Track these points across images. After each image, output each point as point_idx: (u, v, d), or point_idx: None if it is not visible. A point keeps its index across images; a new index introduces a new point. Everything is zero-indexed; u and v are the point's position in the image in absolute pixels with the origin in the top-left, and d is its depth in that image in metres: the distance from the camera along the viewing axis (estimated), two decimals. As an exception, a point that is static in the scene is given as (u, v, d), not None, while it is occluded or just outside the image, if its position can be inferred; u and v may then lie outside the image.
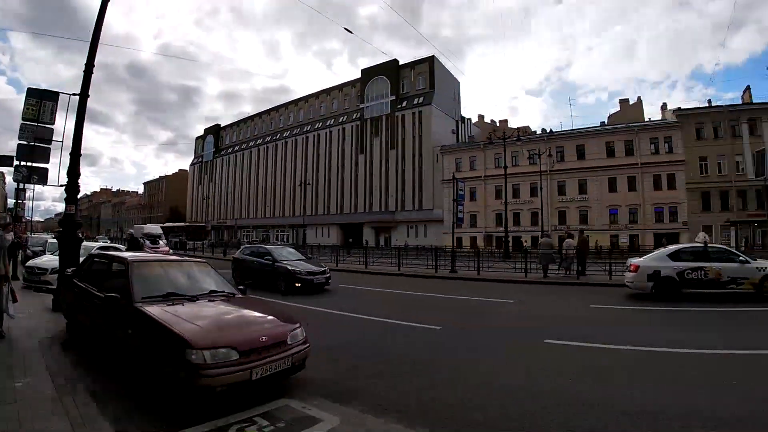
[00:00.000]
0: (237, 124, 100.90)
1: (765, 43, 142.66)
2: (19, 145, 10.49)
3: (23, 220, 28.66)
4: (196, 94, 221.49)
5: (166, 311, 5.13)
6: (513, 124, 71.58)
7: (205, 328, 4.81)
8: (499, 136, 39.52)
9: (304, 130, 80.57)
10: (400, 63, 71.01)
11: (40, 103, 10.37)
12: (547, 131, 59.38)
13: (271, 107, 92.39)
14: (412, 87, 69.11)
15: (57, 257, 13.04)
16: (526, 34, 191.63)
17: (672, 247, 14.34)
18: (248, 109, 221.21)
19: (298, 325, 5.54)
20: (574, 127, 60.72)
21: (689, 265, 12.67)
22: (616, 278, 16.73)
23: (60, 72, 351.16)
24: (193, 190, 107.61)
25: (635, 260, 13.91)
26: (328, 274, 15.79)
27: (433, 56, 68.81)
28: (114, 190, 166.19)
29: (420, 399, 5.08)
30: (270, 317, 5.64)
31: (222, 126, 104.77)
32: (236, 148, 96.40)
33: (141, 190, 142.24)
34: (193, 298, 5.75)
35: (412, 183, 65.70)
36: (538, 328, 9.17)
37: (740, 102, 52.18)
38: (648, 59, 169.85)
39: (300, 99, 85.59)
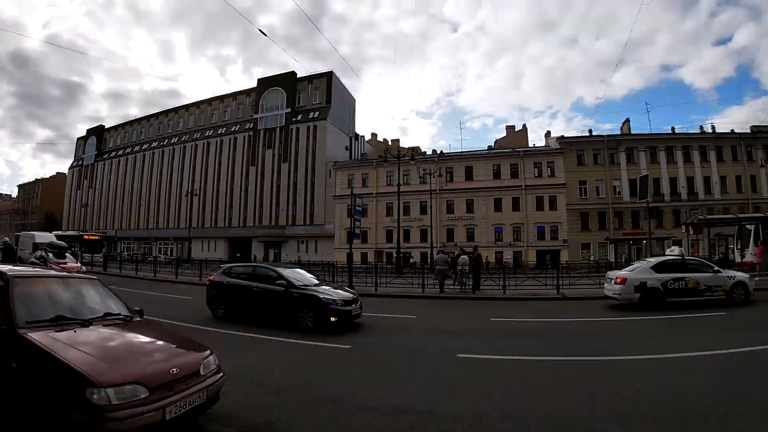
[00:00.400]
0: (123, 126, 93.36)
1: (643, 81, 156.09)
2: None
3: None
4: (80, 91, 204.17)
5: (57, 340, 4.26)
6: (404, 143, 73.22)
7: (105, 360, 4.07)
8: (394, 155, 39.74)
9: (194, 137, 76.28)
10: (298, 76, 69.63)
11: None
12: (437, 152, 60.64)
13: (160, 111, 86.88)
14: (308, 101, 68.04)
15: None
16: (423, 58, 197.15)
17: (653, 260, 14.94)
18: (135, 112, 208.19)
19: (209, 352, 4.86)
20: (463, 150, 62.80)
21: (671, 276, 13.57)
22: (510, 293, 18.23)
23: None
24: (71, 196, 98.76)
25: (621, 273, 14.52)
26: (360, 302, 11.85)
27: (332, 72, 68.45)
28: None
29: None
30: (178, 344, 4.95)
31: (106, 127, 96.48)
32: (120, 152, 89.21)
33: (15, 194, 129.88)
34: (86, 323, 4.79)
35: (304, 197, 64.27)
36: (447, 343, 9.30)
37: (619, 133, 57.05)
38: (532, 90, 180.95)
39: (192, 104, 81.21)
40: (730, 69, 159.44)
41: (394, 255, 52.04)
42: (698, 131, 55.90)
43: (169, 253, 68.53)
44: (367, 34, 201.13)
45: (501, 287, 18.73)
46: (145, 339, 4.90)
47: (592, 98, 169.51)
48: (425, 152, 50.37)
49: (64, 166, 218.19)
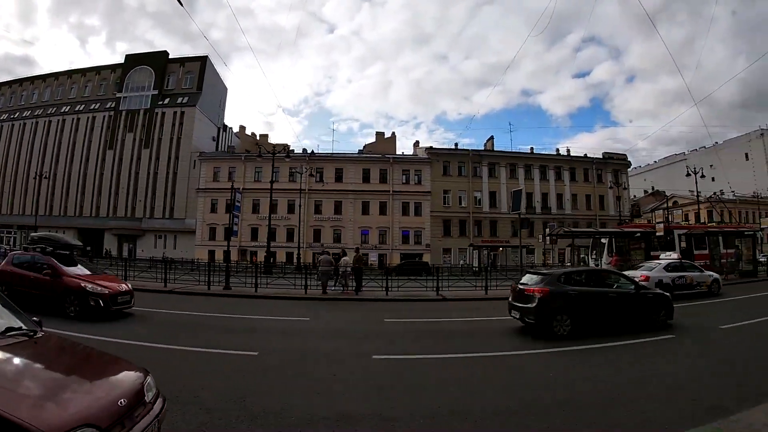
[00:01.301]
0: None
1: (504, 102, 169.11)
2: None
3: None
4: None
5: None
6: (271, 139, 71.26)
7: (41, 399, 3.11)
8: (269, 150, 39.01)
9: (49, 112, 68.02)
10: (170, 57, 65.89)
11: None
12: (305, 151, 60.00)
13: (12, 79, 77.02)
14: (178, 84, 64.09)
15: None
16: (296, 55, 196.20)
17: (663, 262, 19.18)
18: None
19: (145, 371, 4.01)
20: (334, 151, 63.23)
21: (677, 275, 18.17)
22: (392, 294, 19.34)
23: None
24: None
25: (644, 272, 17.97)
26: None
27: (207, 56, 65.45)
28: None
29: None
30: (109, 365, 4.09)
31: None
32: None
33: None
34: None
35: (164, 188, 60.39)
36: (355, 345, 9.70)
37: (483, 148, 60.60)
38: (400, 99, 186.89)
39: (49, 75, 72.43)
40: (585, 99, 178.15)
41: (257, 255, 51.45)
42: (555, 153, 61.22)
43: (12, 243, 61.54)
44: (243, 22, 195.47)
45: (384, 288, 19.65)
46: (69, 362, 4.00)
47: (455, 113, 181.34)
48: (292, 150, 49.64)
49: None
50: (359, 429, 5.01)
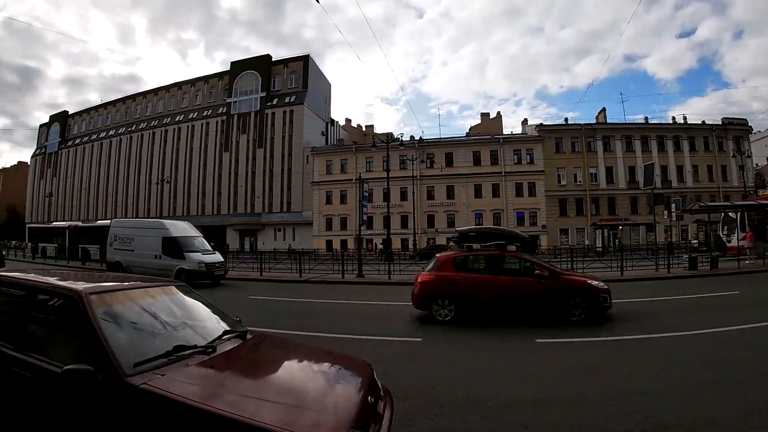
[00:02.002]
0: (88, 111, 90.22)
1: (607, 71, 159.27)
2: None
3: None
4: (37, 76, 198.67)
5: (204, 386, 2.89)
6: (374, 129, 72.61)
7: (300, 408, 2.84)
8: (382, 140, 39.69)
9: (164, 122, 74.24)
10: (273, 59, 68.96)
11: None
12: (413, 138, 60.50)
13: (127, 95, 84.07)
14: (284, 85, 67.03)
15: None
16: (387, 44, 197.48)
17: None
18: (94, 98, 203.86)
19: (368, 363, 3.91)
20: (442, 136, 62.78)
21: None
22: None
23: None
24: (33, 186, 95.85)
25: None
26: None
27: (308, 55, 67.97)
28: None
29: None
30: (337, 361, 3.85)
31: (70, 113, 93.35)
32: (86, 138, 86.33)
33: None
34: (207, 349, 3.39)
35: (280, 184, 63.56)
36: (515, 329, 9.17)
37: (595, 121, 58.14)
38: (497, 78, 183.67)
39: (160, 88, 78.70)
40: (692, 61, 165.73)
41: (372, 242, 52.70)
42: (671, 122, 58.04)
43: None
44: (332, 18, 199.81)
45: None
46: (301, 363, 3.81)
47: (556, 87, 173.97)
48: (399, 137, 50.40)
49: (22, 155, 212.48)
50: (553, 411, 4.79)
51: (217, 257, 20.30)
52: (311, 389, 3.19)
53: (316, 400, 3.01)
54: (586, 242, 49.15)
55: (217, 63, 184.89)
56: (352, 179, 57.49)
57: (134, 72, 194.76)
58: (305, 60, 67.11)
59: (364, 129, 74.52)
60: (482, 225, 53.46)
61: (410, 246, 49.79)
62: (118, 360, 2.87)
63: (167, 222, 21.50)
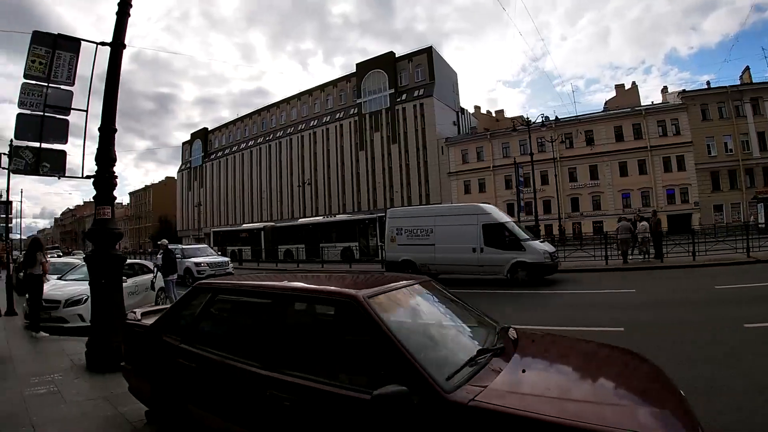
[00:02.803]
0: (226, 126, 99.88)
1: (739, 24, 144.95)
2: (19, 116, 6.63)
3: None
4: (172, 101, 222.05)
5: (530, 393, 2.63)
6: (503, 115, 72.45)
7: (639, 408, 2.54)
8: (522, 123, 39.63)
9: (299, 128, 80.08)
10: (397, 55, 71.44)
11: (53, 54, 6.67)
12: (547, 119, 59.76)
13: (261, 107, 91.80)
14: (410, 79, 69.10)
15: (73, 283, 11.06)
16: (501, 26, 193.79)
17: None
18: (226, 114, 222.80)
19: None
20: (579, 113, 61.23)
21: None
22: (700, 258, 17.72)
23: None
24: (182, 198, 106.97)
25: None
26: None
27: (431, 47, 69.33)
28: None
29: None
30: (628, 357, 3.49)
31: (210, 129, 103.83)
32: (227, 151, 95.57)
33: (125, 201, 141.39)
34: (497, 351, 3.10)
35: (417, 177, 65.71)
36: (717, 313, 8.77)
37: (739, 83, 53.89)
38: (621, 46, 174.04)
39: (292, 97, 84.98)
40: None
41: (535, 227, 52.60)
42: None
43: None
44: (441, 8, 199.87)
45: (690, 253, 18.31)
46: (593, 359, 3.47)
47: (685, 48, 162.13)
48: (528, 120, 49.54)
49: (165, 172, 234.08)
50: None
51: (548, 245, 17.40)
52: (628, 387, 2.89)
53: (637, 398, 2.71)
54: (751, 218, 45.60)
55: (337, 68, 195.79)
56: (489, 167, 58.64)
57: (261, 85, 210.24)
58: (428, 52, 68.62)
59: (494, 114, 75.10)
60: (629, 206, 51.97)
61: (555, 230, 49.45)
62: (431, 375, 2.59)
63: (486, 206, 17.55)
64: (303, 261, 32.86)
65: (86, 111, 7.05)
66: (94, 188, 6.79)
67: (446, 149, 62.86)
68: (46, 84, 6.65)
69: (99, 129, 6.85)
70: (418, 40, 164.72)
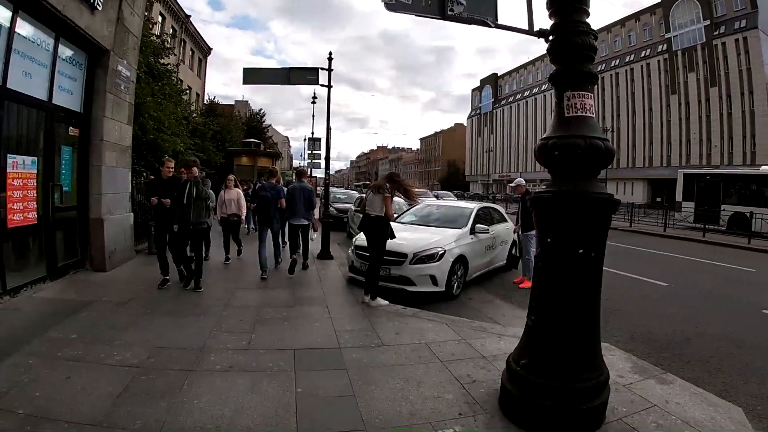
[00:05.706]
0: (517, 70, 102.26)
1: None
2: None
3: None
4: (450, 52, 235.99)
5: None
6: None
7: None
8: None
9: (599, 69, 73.57)
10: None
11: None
12: None
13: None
14: (728, 8, 59.54)
15: (414, 228, 9.84)
16: None
17: None
18: (505, 62, 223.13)
19: None
20: None
21: None
22: None
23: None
24: (472, 144, 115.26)
25: None
26: None
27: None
28: (389, 147, 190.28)
29: None
30: None
31: (499, 75, 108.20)
32: (518, 96, 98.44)
33: (415, 147, 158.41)
34: None
35: (741, 130, 57.69)
36: None
37: None
38: None
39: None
40: None
41: None
42: None
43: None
44: None
45: None
46: None
47: None
48: None
49: (452, 118, 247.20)
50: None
51: None
52: None
53: None
54: None
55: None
56: None
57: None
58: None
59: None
60: None
61: None
62: None
63: None
64: None
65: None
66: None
67: (780, 94, 53.98)
68: None
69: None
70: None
